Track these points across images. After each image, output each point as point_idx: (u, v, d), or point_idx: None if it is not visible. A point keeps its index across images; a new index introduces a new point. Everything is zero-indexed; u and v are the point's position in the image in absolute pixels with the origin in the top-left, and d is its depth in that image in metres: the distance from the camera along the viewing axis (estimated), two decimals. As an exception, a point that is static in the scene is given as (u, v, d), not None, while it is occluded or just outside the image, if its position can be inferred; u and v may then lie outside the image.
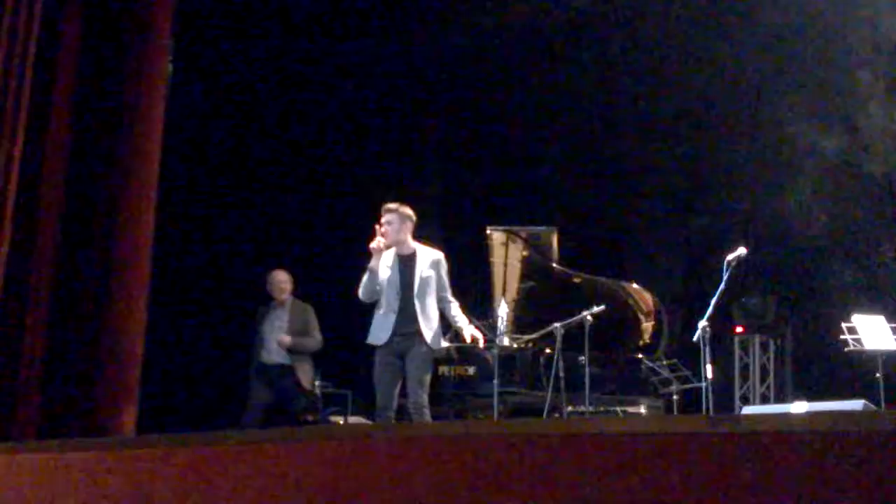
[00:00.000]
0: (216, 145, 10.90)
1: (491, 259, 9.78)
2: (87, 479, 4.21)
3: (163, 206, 6.94)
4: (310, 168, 11.89)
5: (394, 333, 7.35)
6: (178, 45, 7.89)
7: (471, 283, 10.25)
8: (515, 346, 9.25)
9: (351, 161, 11.94)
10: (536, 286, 9.83)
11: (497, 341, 8.93)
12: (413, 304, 7.37)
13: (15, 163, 6.22)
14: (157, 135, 6.83)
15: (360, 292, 7.52)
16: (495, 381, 8.47)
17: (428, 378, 7.39)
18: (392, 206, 7.55)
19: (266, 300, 9.04)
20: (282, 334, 8.84)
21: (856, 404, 6.61)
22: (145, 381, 6.65)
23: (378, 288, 7.45)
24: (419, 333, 7.32)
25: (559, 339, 8.54)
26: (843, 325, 8.58)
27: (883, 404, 8.28)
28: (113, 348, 6.42)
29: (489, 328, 9.13)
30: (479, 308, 9.65)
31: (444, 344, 7.71)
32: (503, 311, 9.39)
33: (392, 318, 7.39)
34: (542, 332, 8.95)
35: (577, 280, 9.74)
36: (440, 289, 7.50)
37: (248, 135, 11.24)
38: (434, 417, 8.86)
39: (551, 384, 8.55)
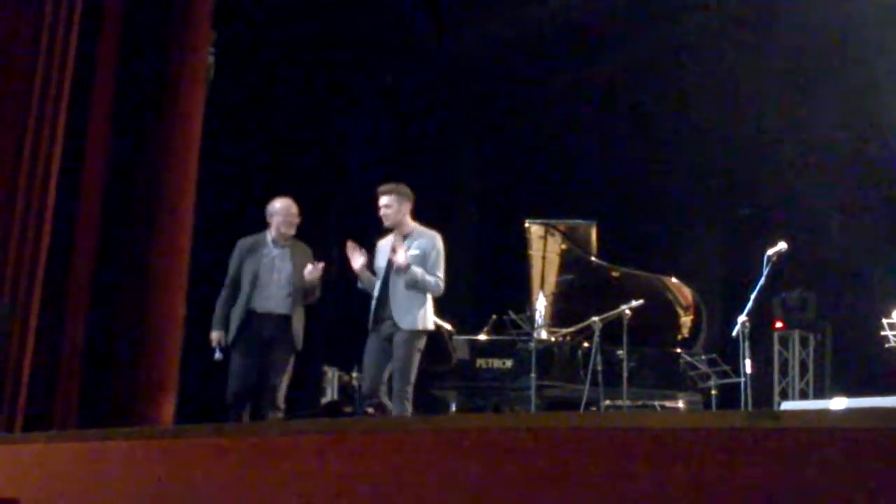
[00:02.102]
0: (256, 138, 10.93)
1: (529, 252, 9.77)
2: (126, 467, 4.24)
3: (202, 197, 6.97)
4: (345, 164, 11.92)
5: (380, 316, 7.27)
6: (220, 36, 7.91)
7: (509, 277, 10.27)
8: (553, 339, 9.24)
9: (387, 154, 11.95)
10: (575, 280, 9.82)
11: (535, 334, 8.93)
12: (397, 286, 7.26)
13: (56, 156, 6.27)
14: (197, 128, 6.86)
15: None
16: (532, 375, 8.48)
17: (412, 365, 7.20)
18: (388, 186, 7.42)
19: (244, 232, 7.79)
20: (283, 280, 7.49)
21: (896, 401, 6.56)
22: (184, 370, 6.68)
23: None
24: (401, 316, 7.20)
25: (597, 332, 8.54)
26: (884, 320, 8.51)
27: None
28: (152, 337, 6.46)
29: (527, 321, 9.13)
30: (518, 301, 9.65)
31: (430, 326, 7.39)
32: (541, 304, 9.37)
33: (378, 300, 7.31)
34: (580, 325, 8.95)
35: (615, 274, 9.73)
36: (430, 269, 7.32)
37: (286, 126, 11.26)
38: (471, 410, 8.87)
39: (589, 378, 8.54)
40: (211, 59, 7.56)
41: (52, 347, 6.17)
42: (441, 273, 7.37)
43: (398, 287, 7.25)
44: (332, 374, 10.43)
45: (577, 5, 10.95)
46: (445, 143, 12.49)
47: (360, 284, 7.48)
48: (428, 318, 7.36)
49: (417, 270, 7.24)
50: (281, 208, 7.62)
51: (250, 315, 7.43)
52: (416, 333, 7.25)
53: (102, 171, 6.49)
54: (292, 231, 7.64)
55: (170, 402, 6.48)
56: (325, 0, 10.91)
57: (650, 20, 11.15)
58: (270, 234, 7.62)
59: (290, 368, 7.53)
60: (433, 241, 7.41)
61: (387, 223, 7.42)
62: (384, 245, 7.49)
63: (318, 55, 11.27)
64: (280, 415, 7.40)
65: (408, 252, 7.26)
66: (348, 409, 10.08)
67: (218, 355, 7.42)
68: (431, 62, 11.73)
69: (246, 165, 10.66)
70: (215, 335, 7.45)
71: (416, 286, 7.25)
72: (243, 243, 7.63)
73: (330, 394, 10.33)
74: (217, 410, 7.39)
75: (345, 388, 10.34)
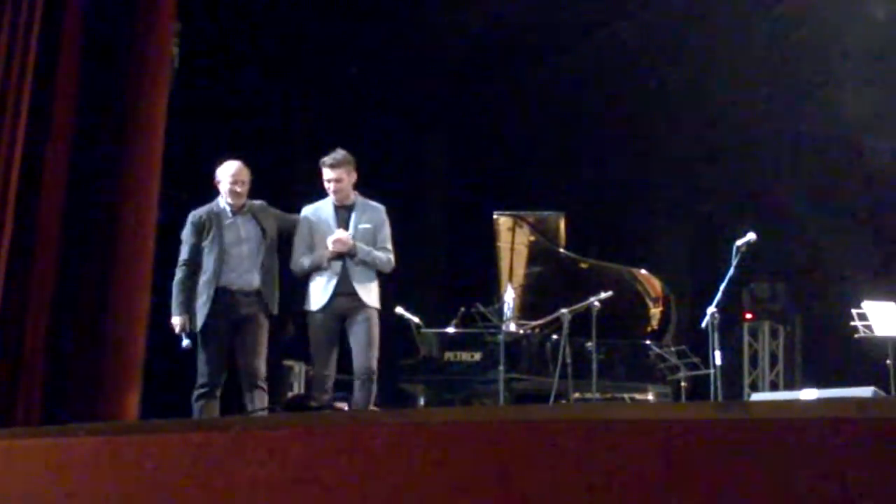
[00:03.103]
0: (220, 131, 10.85)
1: (497, 244, 9.73)
2: (89, 464, 4.19)
3: (167, 189, 6.87)
4: (314, 157, 11.85)
5: (333, 294, 7.01)
6: (185, 28, 7.83)
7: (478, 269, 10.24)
8: (522, 331, 9.21)
9: (353, 144, 11.88)
10: (543, 271, 9.79)
11: (504, 327, 8.90)
12: (353, 261, 7.04)
13: (17, 152, 6.19)
14: (160, 118, 6.78)
15: (297, 271, 7.16)
16: (501, 367, 8.45)
17: (376, 344, 7.05)
18: (338, 156, 7.14)
19: (192, 204, 7.32)
20: (252, 251, 7.03)
21: (866, 391, 6.58)
22: (148, 364, 6.59)
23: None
24: (358, 292, 7.00)
25: (566, 324, 8.52)
26: (854, 311, 8.54)
27: (893, 391, 8.25)
28: (116, 332, 6.38)
29: (496, 314, 9.10)
30: (486, 293, 9.63)
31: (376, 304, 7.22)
32: (510, 296, 9.34)
33: (330, 277, 7.05)
34: (549, 317, 8.92)
35: (584, 265, 9.71)
36: (381, 243, 7.13)
37: (251, 113, 11.17)
38: (439, 403, 8.84)
39: (558, 370, 8.52)
40: (175, 49, 7.48)
41: (14, 343, 6.10)
42: (390, 246, 7.21)
43: (355, 262, 7.07)
44: (298, 369, 10.36)
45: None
46: (413, 133, 12.43)
47: (323, 263, 7.18)
48: (378, 295, 7.19)
49: (364, 248, 7.08)
50: (228, 173, 7.18)
51: (221, 293, 6.99)
52: (376, 311, 7.12)
53: (65, 164, 6.41)
54: (243, 199, 7.18)
55: (134, 398, 6.42)
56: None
57: (621, 13, 11.14)
58: (224, 202, 7.19)
59: (266, 342, 7.08)
60: (382, 213, 7.24)
61: (338, 197, 7.15)
62: (319, 213, 7.25)
63: (282, 42, 11.19)
64: (263, 394, 7.07)
65: (359, 225, 7.10)
66: (314, 404, 10.01)
67: (186, 343, 7.01)
68: (398, 50, 11.67)
69: (210, 154, 10.56)
70: (178, 321, 7.02)
71: (367, 264, 7.09)
72: (196, 216, 7.16)
73: (297, 388, 10.26)
74: (182, 404, 7.31)
75: (311, 382, 10.28)
